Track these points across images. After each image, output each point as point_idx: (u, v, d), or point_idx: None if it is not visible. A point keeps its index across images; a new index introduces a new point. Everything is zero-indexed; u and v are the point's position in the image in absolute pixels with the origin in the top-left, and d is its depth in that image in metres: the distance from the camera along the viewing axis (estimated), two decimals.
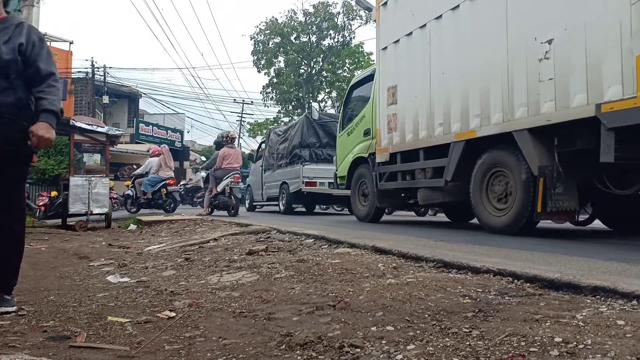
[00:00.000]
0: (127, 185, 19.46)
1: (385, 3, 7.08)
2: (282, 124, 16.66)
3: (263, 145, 14.55)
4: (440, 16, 5.89)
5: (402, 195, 7.18)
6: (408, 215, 10.76)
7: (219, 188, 9.59)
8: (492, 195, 5.16)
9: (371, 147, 7.50)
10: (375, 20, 7.46)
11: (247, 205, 14.78)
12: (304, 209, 13.42)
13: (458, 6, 5.57)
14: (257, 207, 14.33)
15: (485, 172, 5.21)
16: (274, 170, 12.80)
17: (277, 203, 12.40)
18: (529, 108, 4.63)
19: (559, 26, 4.33)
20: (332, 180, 9.55)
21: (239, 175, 9.95)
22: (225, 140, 10.25)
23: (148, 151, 11.60)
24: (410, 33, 6.46)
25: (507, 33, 4.90)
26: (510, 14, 4.88)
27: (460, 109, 5.55)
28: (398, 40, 6.76)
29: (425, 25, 6.17)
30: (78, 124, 9.20)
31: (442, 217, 9.13)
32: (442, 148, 5.83)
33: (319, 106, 29.57)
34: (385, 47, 7.09)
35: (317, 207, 13.89)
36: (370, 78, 7.87)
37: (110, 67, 28.55)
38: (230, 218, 8.02)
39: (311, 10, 30.05)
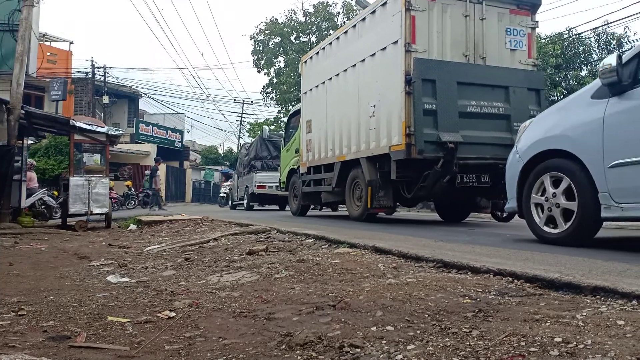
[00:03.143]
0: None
1: (306, 61, 10.05)
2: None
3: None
4: (331, 78, 8.65)
5: (320, 196, 9.64)
6: (405, 215, 10.83)
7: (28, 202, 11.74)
8: (354, 197, 7.86)
9: (299, 162, 10.20)
10: (301, 71, 10.48)
11: (230, 205, 18.94)
12: (276, 208, 16.32)
13: (339, 74, 8.35)
14: (238, 206, 17.55)
15: (351, 182, 7.91)
16: (242, 177, 16.56)
17: (243, 202, 16.21)
18: (366, 145, 7.35)
19: (377, 98, 7.03)
20: (277, 184, 12.62)
21: (46, 190, 12.94)
22: (28, 167, 12.96)
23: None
24: (317, 85, 9.27)
25: (358, 97, 7.65)
26: (359, 85, 7.62)
27: (339, 141, 8.28)
28: (311, 89, 9.58)
29: (324, 82, 8.94)
30: (78, 124, 9.20)
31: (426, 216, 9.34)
32: (332, 165, 8.53)
33: None
34: (306, 92, 9.96)
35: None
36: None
37: (110, 67, 28.54)
38: (229, 218, 8.05)
39: (311, 10, 30.04)
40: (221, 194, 22.50)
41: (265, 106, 34.62)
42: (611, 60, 3.40)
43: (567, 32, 17.58)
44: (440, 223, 7.78)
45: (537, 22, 7.20)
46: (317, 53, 9.35)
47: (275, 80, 30.48)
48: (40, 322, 2.17)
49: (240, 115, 38.85)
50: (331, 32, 29.93)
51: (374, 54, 7.10)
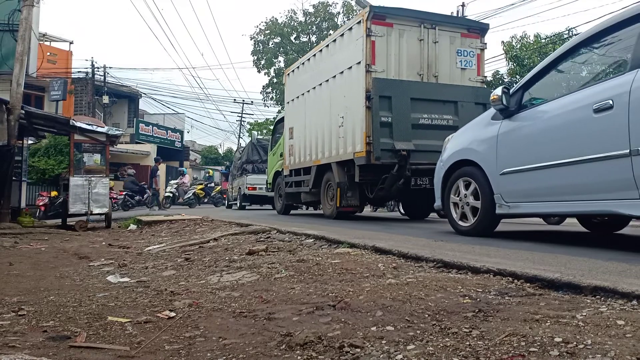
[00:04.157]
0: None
1: (289, 74, 11.01)
2: None
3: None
4: (309, 90, 9.54)
5: (300, 196, 10.51)
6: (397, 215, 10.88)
7: None
8: (328, 197, 8.75)
9: (283, 165, 11.12)
10: (285, 82, 11.47)
11: (225, 204, 20.09)
12: (270, 207, 16.94)
13: (315, 87, 9.24)
14: (233, 206, 18.87)
15: (325, 183, 8.83)
16: (235, 179, 18.20)
17: (237, 202, 17.84)
18: (336, 151, 8.26)
19: (345, 110, 7.96)
20: (266, 186, 13.76)
21: None
22: None
23: None
24: (298, 97, 10.21)
25: (330, 108, 8.56)
26: (331, 99, 8.55)
27: (315, 147, 9.18)
28: (293, 99, 10.53)
29: (303, 93, 9.85)
30: (78, 124, 9.21)
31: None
32: (309, 169, 9.45)
33: None
34: (288, 102, 10.95)
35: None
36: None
37: (110, 67, 28.52)
38: (229, 218, 8.05)
39: (311, 10, 30.06)
40: (166, 194, 18.99)
41: (265, 106, 34.68)
42: (498, 92, 4.23)
43: (567, 32, 17.59)
44: (441, 224, 7.78)
45: (486, 43, 8.11)
46: (298, 67, 10.41)
47: (275, 80, 30.47)
48: (40, 322, 2.17)
49: (240, 115, 38.86)
50: (331, 32, 30.05)
51: (342, 72, 8.05)
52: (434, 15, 7.99)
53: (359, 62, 7.41)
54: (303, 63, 10.10)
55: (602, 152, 3.34)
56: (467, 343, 1.57)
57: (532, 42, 17.74)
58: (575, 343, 1.46)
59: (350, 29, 7.87)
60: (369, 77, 7.23)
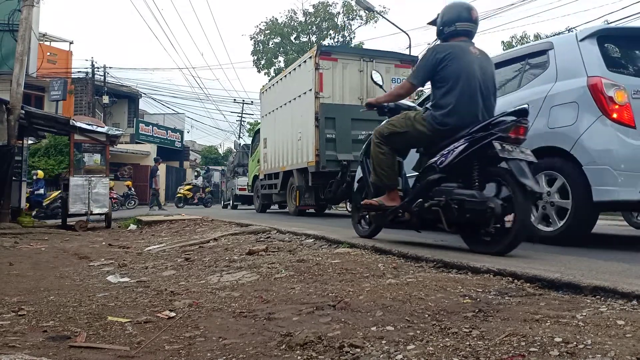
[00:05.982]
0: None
1: (264, 92, 12.80)
2: None
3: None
4: (277, 108, 11.21)
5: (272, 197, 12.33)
6: None
7: None
8: (292, 197, 10.29)
9: (259, 170, 12.80)
10: (260, 99, 13.37)
11: (222, 204, 22.39)
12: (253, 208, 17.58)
13: (282, 106, 10.89)
14: (228, 205, 20.69)
15: (290, 186, 10.46)
16: (229, 181, 20.72)
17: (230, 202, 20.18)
18: (296, 160, 9.91)
19: (302, 127, 9.61)
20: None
21: None
22: None
23: None
24: (270, 112, 11.92)
25: (292, 125, 10.21)
26: (293, 117, 10.20)
27: (282, 155, 10.81)
28: (267, 114, 12.27)
29: (274, 110, 11.54)
30: (78, 124, 9.21)
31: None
32: (278, 174, 11.11)
33: None
34: (263, 116, 12.80)
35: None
36: None
37: (110, 67, 28.41)
38: (229, 218, 8.06)
39: (311, 10, 30.05)
40: None
41: None
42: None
43: (567, 32, 17.59)
44: None
45: None
46: (270, 87, 12.26)
47: None
48: (40, 322, 2.17)
49: (240, 115, 38.85)
50: (331, 32, 30.06)
51: (300, 95, 9.73)
52: (371, 51, 10.21)
53: (310, 89, 9.08)
54: (273, 84, 11.93)
55: None
56: (467, 343, 1.57)
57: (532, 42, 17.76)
58: (575, 343, 1.46)
59: (305, 61, 9.65)
60: (317, 102, 8.92)
